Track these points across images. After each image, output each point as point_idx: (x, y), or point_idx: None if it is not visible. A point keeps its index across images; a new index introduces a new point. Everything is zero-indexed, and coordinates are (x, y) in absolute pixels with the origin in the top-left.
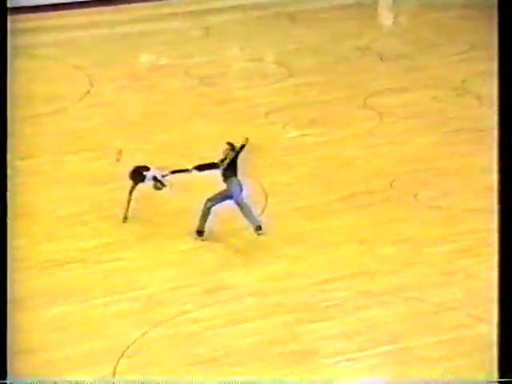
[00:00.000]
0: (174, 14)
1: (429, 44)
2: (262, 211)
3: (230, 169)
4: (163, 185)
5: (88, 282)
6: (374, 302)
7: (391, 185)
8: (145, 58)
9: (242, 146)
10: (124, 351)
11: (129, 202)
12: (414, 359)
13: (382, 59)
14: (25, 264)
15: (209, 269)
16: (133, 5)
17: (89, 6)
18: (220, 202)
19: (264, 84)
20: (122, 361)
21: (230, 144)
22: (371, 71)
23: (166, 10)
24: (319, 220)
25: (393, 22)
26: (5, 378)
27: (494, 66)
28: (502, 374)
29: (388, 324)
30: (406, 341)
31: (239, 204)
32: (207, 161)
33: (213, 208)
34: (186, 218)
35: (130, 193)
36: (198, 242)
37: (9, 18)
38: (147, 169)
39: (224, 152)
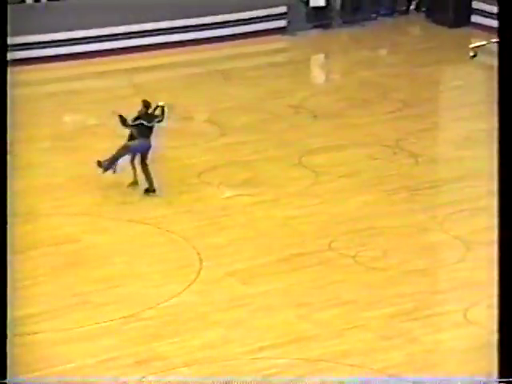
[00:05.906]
0: (102, 72)
1: (361, 101)
2: (197, 275)
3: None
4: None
5: None
6: (312, 370)
7: (329, 246)
8: (70, 118)
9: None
10: None
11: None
12: None
13: (315, 117)
14: None
15: (141, 340)
16: (58, 63)
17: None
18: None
19: (195, 143)
20: None
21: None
22: (305, 129)
23: (94, 69)
24: (255, 284)
25: (325, 80)
26: (5, 377)
27: (428, 123)
28: (502, 373)
29: None
30: None
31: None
32: None
33: None
34: None
35: None
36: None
37: None
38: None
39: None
